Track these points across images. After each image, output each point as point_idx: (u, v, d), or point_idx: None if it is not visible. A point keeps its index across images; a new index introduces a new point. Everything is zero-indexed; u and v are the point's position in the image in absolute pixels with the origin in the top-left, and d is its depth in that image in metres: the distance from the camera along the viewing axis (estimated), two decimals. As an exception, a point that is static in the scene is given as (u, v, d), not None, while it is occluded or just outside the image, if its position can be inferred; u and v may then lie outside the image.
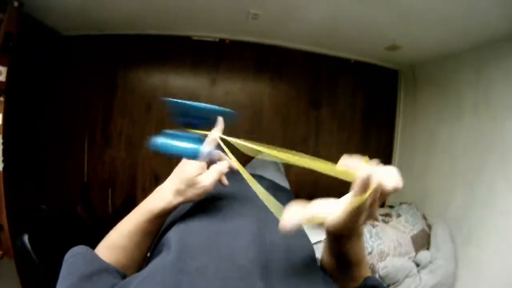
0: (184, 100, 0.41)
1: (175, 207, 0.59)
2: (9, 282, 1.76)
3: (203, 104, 0.43)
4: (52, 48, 2.31)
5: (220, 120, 0.58)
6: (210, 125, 0.49)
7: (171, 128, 0.49)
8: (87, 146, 2.53)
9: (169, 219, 0.65)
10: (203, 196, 0.59)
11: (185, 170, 0.58)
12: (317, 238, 1.70)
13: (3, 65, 1.64)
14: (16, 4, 1.65)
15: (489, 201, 1.75)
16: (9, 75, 1.66)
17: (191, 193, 0.58)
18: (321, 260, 0.64)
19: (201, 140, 0.49)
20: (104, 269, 0.52)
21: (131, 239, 0.58)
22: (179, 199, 0.58)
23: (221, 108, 0.44)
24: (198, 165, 0.58)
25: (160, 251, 0.56)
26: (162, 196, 0.58)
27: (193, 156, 0.47)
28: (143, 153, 2.55)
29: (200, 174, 0.58)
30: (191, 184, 0.57)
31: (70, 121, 2.48)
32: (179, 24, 2.34)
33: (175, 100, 0.43)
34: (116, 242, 0.59)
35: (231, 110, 0.47)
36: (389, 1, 1.60)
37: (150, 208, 0.58)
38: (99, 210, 2.46)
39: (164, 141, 0.45)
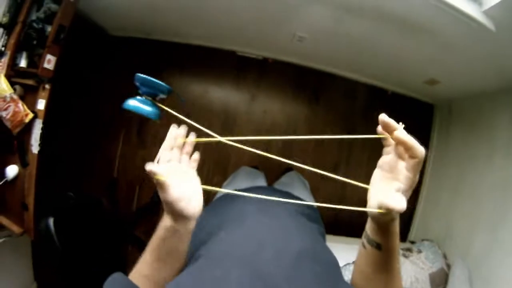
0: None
1: (175, 227, 0.56)
2: (21, 259, 1.81)
3: (155, 79, 0.54)
4: (99, 45, 2.42)
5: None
6: (158, 95, 0.58)
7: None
8: (121, 143, 2.61)
9: (193, 240, 0.63)
10: (172, 193, 0.54)
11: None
12: (346, 261, 1.74)
13: (53, 54, 1.72)
14: (72, -1, 1.74)
15: (511, 244, 1.69)
16: (57, 65, 1.74)
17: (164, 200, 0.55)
18: (353, 279, 0.64)
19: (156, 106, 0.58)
20: None
21: (151, 266, 0.58)
22: (169, 216, 0.56)
23: (162, 83, 0.55)
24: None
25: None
26: (163, 217, 0.58)
27: (151, 114, 0.57)
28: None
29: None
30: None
31: (109, 118, 2.56)
32: (226, 38, 2.41)
33: (140, 74, 0.54)
34: (141, 271, 0.59)
35: (167, 86, 0.56)
36: (430, 35, 1.61)
37: (157, 232, 0.58)
38: (124, 206, 2.51)
39: (132, 103, 0.55)
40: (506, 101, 1.97)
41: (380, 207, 0.49)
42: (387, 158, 0.55)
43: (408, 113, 2.76)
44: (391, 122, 0.51)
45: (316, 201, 1.46)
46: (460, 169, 2.32)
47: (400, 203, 0.46)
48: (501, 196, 1.87)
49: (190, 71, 2.63)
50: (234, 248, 0.58)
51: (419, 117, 2.82)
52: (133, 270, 0.59)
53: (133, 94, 0.58)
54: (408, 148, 0.49)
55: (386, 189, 0.51)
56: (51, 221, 1.51)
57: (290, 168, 2.21)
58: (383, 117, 0.51)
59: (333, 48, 2.14)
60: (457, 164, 2.37)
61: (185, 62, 2.61)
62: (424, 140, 2.80)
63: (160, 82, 0.55)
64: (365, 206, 0.55)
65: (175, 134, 0.60)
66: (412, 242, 2.30)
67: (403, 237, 2.74)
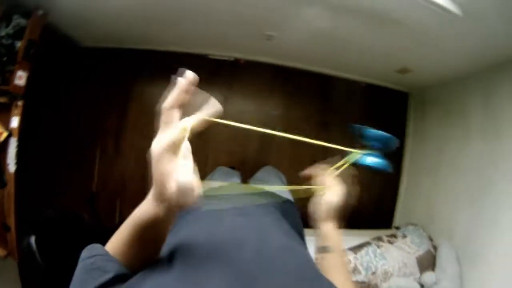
0: None
1: (160, 215, 0.47)
2: (10, 283, 1.76)
3: (385, 134, 0.56)
4: (71, 58, 2.39)
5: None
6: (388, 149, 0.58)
7: None
8: (98, 155, 2.57)
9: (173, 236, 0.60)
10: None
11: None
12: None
13: (23, 70, 1.69)
14: (40, 13, 1.72)
15: (495, 220, 1.74)
16: (28, 80, 1.72)
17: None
18: None
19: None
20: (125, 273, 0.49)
21: (127, 246, 0.51)
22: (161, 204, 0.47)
23: (386, 134, 0.55)
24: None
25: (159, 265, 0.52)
26: (145, 204, 0.49)
27: (389, 168, 0.57)
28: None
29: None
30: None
31: (84, 130, 2.53)
32: (196, 42, 2.41)
33: (372, 130, 0.56)
34: (117, 248, 0.51)
35: (392, 136, 0.57)
36: (398, 25, 1.64)
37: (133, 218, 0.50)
38: (106, 220, 2.46)
39: (372, 161, 0.56)
40: (477, 85, 2.03)
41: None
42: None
43: (384, 103, 2.83)
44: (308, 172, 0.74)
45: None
46: (437, 153, 2.38)
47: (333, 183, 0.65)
48: (479, 173, 1.93)
49: (163, 78, 2.59)
50: (212, 251, 0.56)
51: (395, 106, 2.88)
52: (110, 242, 0.52)
53: (359, 147, 0.58)
54: None
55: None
56: (32, 239, 1.48)
57: (266, 164, 2.23)
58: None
59: (303, 44, 2.16)
60: (434, 149, 2.43)
61: (158, 69, 2.59)
62: (401, 128, 2.86)
63: (388, 135, 0.55)
64: None
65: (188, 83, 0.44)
66: (397, 228, 2.34)
67: (387, 224, 2.78)
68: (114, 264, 0.48)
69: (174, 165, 0.40)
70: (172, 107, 0.43)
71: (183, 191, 0.38)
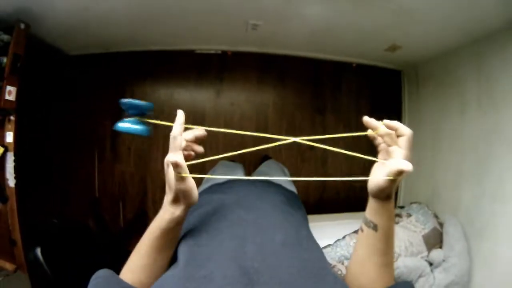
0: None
1: (182, 216, 0.57)
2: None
3: (137, 101, 0.59)
4: (60, 67, 2.40)
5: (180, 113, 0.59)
6: (145, 114, 0.63)
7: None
8: (97, 161, 2.59)
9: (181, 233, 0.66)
10: (189, 186, 0.54)
11: (168, 177, 0.56)
12: (336, 237, 1.78)
13: (12, 85, 1.69)
14: (22, 26, 1.71)
15: (499, 192, 1.72)
16: (18, 94, 1.72)
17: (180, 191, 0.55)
18: (349, 266, 0.68)
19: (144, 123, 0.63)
20: None
21: (149, 257, 0.59)
22: (179, 205, 0.56)
23: (144, 103, 0.60)
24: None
25: (171, 265, 0.58)
26: (165, 210, 0.57)
27: (142, 132, 0.61)
28: (152, 166, 2.60)
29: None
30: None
31: (79, 138, 2.55)
32: (182, 38, 2.40)
33: (124, 100, 0.59)
34: (136, 263, 0.59)
35: (149, 103, 0.62)
36: (384, 1, 1.61)
37: (158, 224, 0.57)
38: (111, 224, 2.49)
39: (122, 125, 0.60)
40: (470, 55, 1.99)
41: (389, 175, 0.55)
42: (381, 149, 0.62)
43: (377, 82, 2.81)
44: (373, 121, 0.60)
45: (299, 185, 1.48)
46: (436, 128, 2.35)
47: (407, 165, 0.53)
48: (480, 147, 1.90)
49: (153, 77, 2.63)
50: (217, 247, 0.57)
51: (388, 85, 2.86)
52: (126, 265, 0.60)
53: (121, 117, 0.62)
54: (395, 129, 0.57)
55: (390, 162, 0.57)
56: (38, 250, 1.50)
57: (267, 156, 2.22)
58: (366, 119, 0.60)
59: (289, 31, 2.13)
60: (432, 123, 2.40)
61: (148, 69, 2.61)
62: (397, 106, 2.84)
63: (142, 103, 0.60)
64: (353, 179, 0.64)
65: (183, 119, 0.59)
66: (401, 207, 2.32)
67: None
68: (121, 282, 0.56)
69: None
70: (177, 135, 0.55)
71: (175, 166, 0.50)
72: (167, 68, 2.62)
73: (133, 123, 0.62)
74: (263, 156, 2.26)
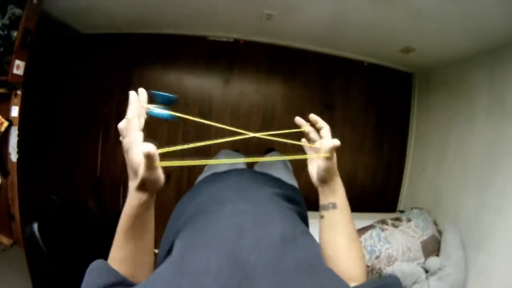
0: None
1: (150, 200, 0.55)
2: (19, 271, 1.81)
3: (167, 94, 0.71)
4: (71, 45, 2.39)
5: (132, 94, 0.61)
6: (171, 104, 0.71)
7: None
8: (101, 141, 2.58)
9: (173, 226, 0.66)
10: (159, 174, 0.51)
11: (131, 162, 0.54)
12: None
13: (21, 59, 1.69)
14: (35, 1, 1.70)
15: (501, 206, 1.70)
16: (27, 69, 1.72)
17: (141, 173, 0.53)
18: (323, 254, 0.66)
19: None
20: (119, 282, 0.54)
21: (126, 248, 0.58)
22: (145, 190, 0.54)
23: (172, 95, 0.71)
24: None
25: (165, 258, 0.57)
26: (131, 196, 0.55)
27: (170, 117, 0.68)
28: (156, 151, 2.58)
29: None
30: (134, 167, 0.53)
31: (85, 117, 2.54)
32: (195, 24, 2.37)
33: (156, 91, 0.69)
34: (115, 256, 0.58)
35: (175, 96, 0.72)
36: (402, 2, 1.59)
37: (128, 212, 0.56)
38: (111, 205, 2.50)
39: (157, 111, 0.67)
40: (483, 64, 1.96)
41: (325, 152, 0.67)
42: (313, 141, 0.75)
43: (387, 83, 2.78)
44: (301, 120, 0.77)
45: (301, 180, 1.47)
46: (443, 135, 2.33)
47: (335, 141, 0.66)
48: (486, 157, 1.88)
49: (163, 61, 2.61)
50: (212, 238, 0.57)
51: (399, 87, 2.83)
52: (108, 259, 0.59)
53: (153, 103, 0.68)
54: (316, 122, 0.74)
55: (322, 144, 0.71)
56: (35, 226, 1.50)
57: (272, 148, 2.21)
58: (297, 119, 0.77)
59: (303, 24, 2.11)
60: (440, 130, 2.38)
61: (158, 53, 2.59)
62: (405, 109, 2.82)
63: (171, 95, 0.71)
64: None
65: (137, 98, 0.61)
66: (401, 212, 2.31)
67: (392, 208, 2.76)
68: (113, 273, 0.56)
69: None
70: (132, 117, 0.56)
71: (145, 155, 0.48)
72: (178, 53, 2.60)
73: (163, 109, 0.70)
74: (268, 149, 2.25)
